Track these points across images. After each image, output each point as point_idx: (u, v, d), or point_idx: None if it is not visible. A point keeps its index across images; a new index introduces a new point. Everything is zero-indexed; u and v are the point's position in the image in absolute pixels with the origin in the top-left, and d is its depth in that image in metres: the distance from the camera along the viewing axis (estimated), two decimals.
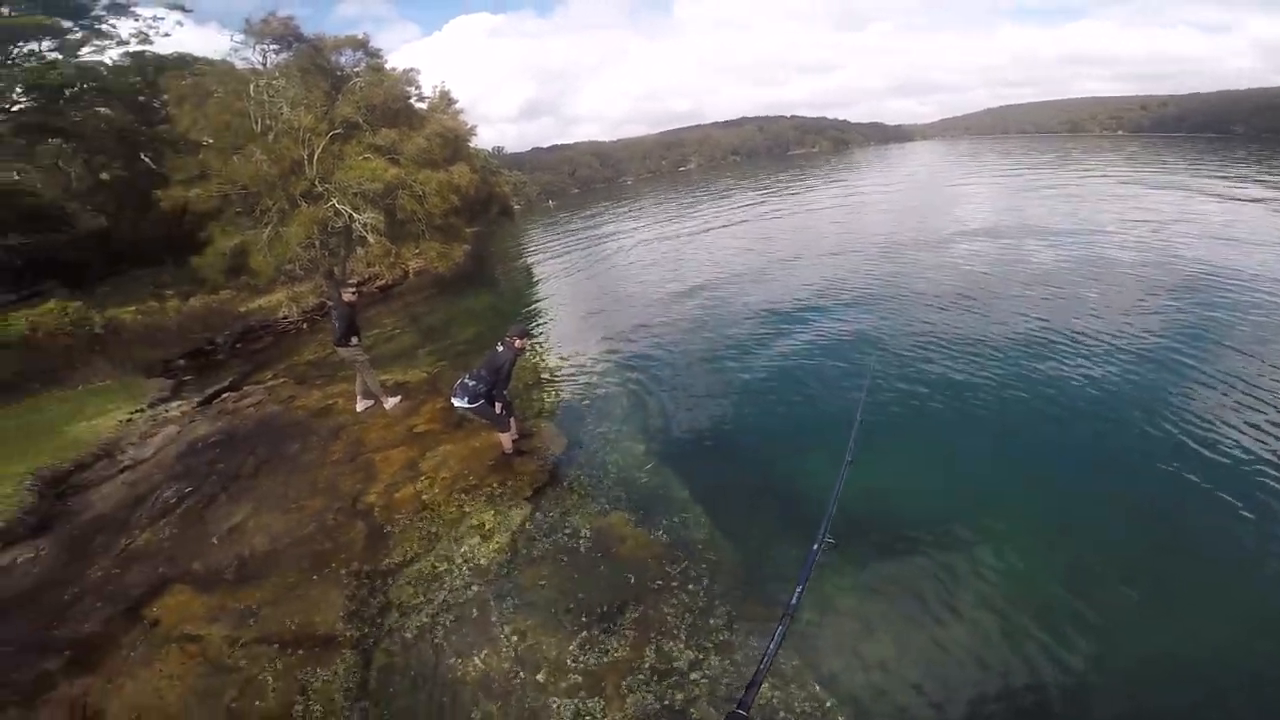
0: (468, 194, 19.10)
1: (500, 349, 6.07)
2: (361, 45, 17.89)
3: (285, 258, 14.83)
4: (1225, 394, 6.79)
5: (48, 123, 20.20)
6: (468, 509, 5.68)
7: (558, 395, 8.61)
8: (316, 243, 15.33)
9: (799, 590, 1.80)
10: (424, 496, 5.95)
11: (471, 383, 5.97)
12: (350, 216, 15.51)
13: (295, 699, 3.94)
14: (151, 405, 10.24)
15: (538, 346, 11.28)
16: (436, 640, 4.29)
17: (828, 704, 3.66)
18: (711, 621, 4.26)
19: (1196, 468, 5.60)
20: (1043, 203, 21.93)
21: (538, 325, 12.99)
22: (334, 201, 15.35)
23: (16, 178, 25.12)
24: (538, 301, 16.17)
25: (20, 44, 19.02)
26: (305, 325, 15.58)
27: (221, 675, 4.16)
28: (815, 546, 2.05)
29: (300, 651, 4.28)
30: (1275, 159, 35.33)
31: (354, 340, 8.07)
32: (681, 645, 4.08)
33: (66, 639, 4.70)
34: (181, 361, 13.76)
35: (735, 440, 6.97)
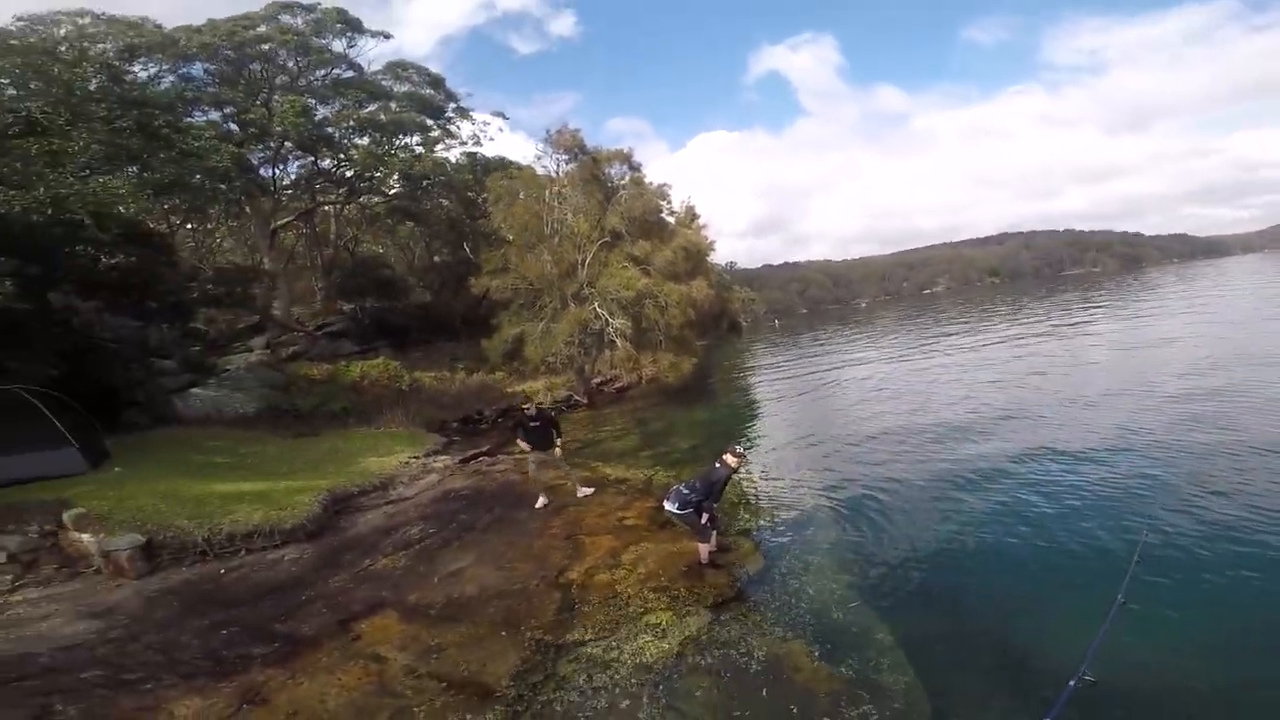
0: (703, 308, 20.01)
1: (717, 465, 6.26)
2: (627, 159, 20.10)
3: (551, 350, 17.14)
4: None
5: (408, 208, 26.67)
6: (651, 606, 5.63)
7: (764, 517, 8.27)
8: (577, 340, 17.42)
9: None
10: (617, 585, 6.03)
11: (685, 491, 6.19)
12: (606, 320, 17.43)
13: None
14: (426, 454, 12.39)
15: (751, 466, 10.83)
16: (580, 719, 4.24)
17: None
18: None
19: None
20: None
21: (752, 444, 12.63)
22: (595, 305, 17.44)
23: (380, 251, 33.86)
24: (755, 420, 16.00)
25: (399, 136, 24.79)
26: (554, 412, 17.66)
27: (384, 698, 4.44)
28: (1072, 682, 1.60)
29: (461, 695, 4.44)
30: None
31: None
32: None
33: (283, 633, 5.47)
34: (455, 424, 16.58)
35: (956, 587, 6.05)
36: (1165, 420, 10.44)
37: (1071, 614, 5.11)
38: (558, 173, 19.52)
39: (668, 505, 6.24)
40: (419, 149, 25.11)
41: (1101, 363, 17.84)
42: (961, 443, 10.84)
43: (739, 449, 6.37)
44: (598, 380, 21.56)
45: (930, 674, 4.64)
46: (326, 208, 27.89)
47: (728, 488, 6.56)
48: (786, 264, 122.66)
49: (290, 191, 26.27)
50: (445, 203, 27.59)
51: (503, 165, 24.95)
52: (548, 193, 18.61)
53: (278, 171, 24.82)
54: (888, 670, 4.72)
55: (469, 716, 4.26)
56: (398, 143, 24.87)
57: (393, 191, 26.77)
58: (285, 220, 25.58)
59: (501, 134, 28.54)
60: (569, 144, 19.45)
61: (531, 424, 8.80)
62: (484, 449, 13.22)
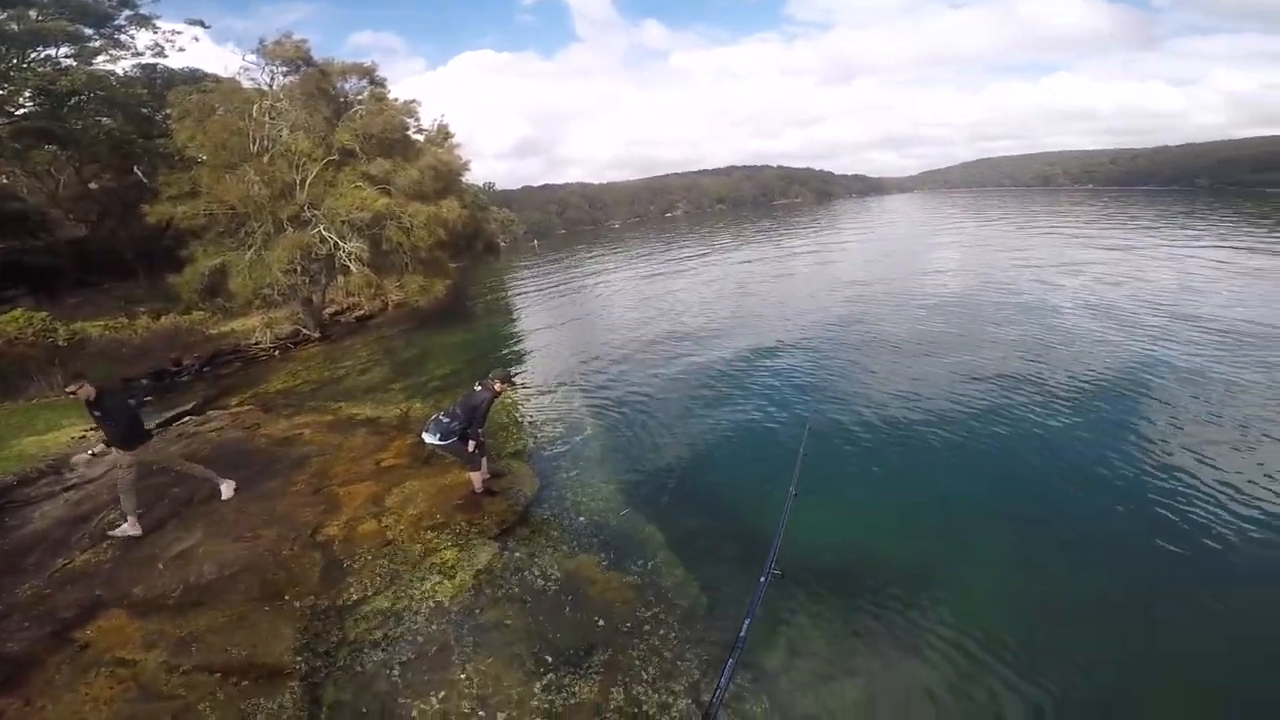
0: (455, 229, 19.17)
1: (479, 389, 6.07)
2: (368, 73, 18.06)
3: (265, 281, 14.71)
4: (1173, 431, 7.16)
5: (48, 129, 20.09)
6: (432, 546, 5.56)
7: (532, 436, 8.55)
8: (298, 268, 15.21)
9: (747, 623, 1.78)
10: (388, 532, 5.80)
11: (446, 420, 5.96)
12: (335, 244, 15.48)
13: None
14: None
15: (517, 385, 11.23)
16: (392, 678, 4.14)
17: None
18: (681, 665, 4.20)
19: (1141, 500, 5.85)
20: (1006, 257, 23.04)
21: (516, 365, 12.96)
22: (320, 228, 15.34)
23: (4, 181, 24.80)
24: (516, 341, 16.20)
25: (40, 49, 19.22)
26: (277, 353, 15.35)
27: (154, 702, 3.96)
28: (762, 579, 2.03)
29: (244, 682, 4.10)
30: (1229, 213, 38.34)
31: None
32: (649, 689, 4.02)
33: None
34: (145, 381, 13.46)
35: (712, 483, 6.95)
36: (839, 320, 14.01)
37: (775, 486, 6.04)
38: (271, 86, 16.51)
39: (428, 437, 5.99)
40: (69, 61, 19.27)
41: (791, 277, 23.04)
42: (693, 349, 12.81)
43: (508, 373, 6.24)
44: (331, 310, 19.41)
45: (697, 567, 5.21)
46: None
47: (492, 411, 6.51)
48: (546, 186, 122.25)
49: None
50: (106, 120, 21.22)
51: (194, 79, 20.44)
52: (257, 108, 15.56)
53: None
54: (665, 570, 5.20)
55: (263, 701, 3.94)
56: (35, 55, 18.74)
57: (22, 111, 19.67)
58: None
59: (198, 44, 22.70)
60: (290, 55, 16.46)
61: (94, 412, 6.03)
62: (188, 407, 11.10)
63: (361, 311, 19.84)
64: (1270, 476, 6.09)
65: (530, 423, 9.12)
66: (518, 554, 5.48)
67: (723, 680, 1.56)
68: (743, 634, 1.73)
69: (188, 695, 4.00)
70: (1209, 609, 4.59)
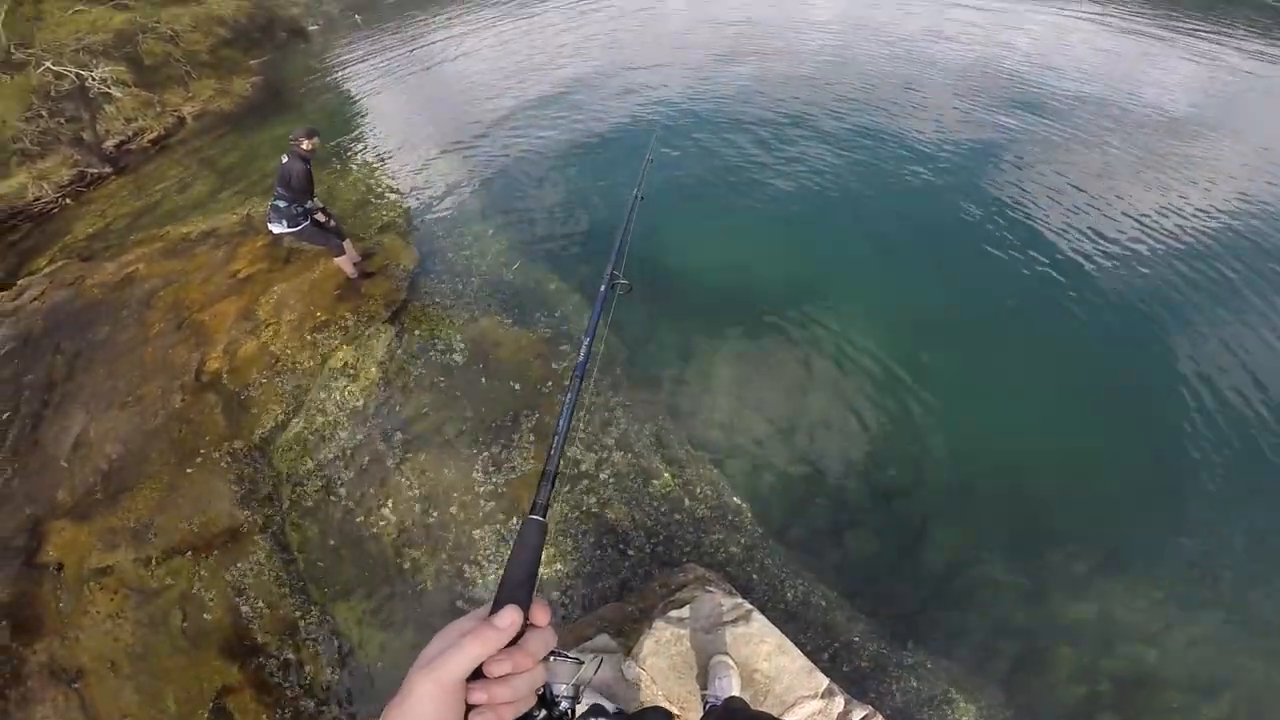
0: (239, 22, 16.21)
1: (285, 160, 5.25)
2: None
3: (5, 136, 11.68)
4: (1035, 178, 7.11)
5: None
6: (324, 350, 5.19)
7: (398, 207, 7.74)
8: (44, 112, 12.01)
9: (587, 342, 1.45)
10: (271, 348, 5.36)
11: (281, 204, 5.25)
12: (79, 76, 12.07)
13: (237, 602, 3.76)
14: None
15: (367, 161, 10.09)
16: (340, 500, 4.07)
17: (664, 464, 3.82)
18: (606, 415, 4.19)
19: (995, 233, 5.97)
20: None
21: (362, 138, 11.50)
22: (48, 64, 11.76)
23: None
24: (356, 113, 14.10)
25: None
26: (68, 200, 12.73)
27: (155, 600, 3.87)
28: (602, 288, 1.70)
29: (215, 552, 4.01)
30: None
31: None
32: (584, 447, 4.01)
33: None
34: None
35: (570, 211, 6.68)
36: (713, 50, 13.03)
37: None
38: None
39: (274, 228, 5.33)
40: None
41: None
42: (544, 94, 11.88)
43: (309, 128, 5.33)
44: (116, 141, 16.05)
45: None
46: None
47: (328, 179, 5.85)
48: None
49: None
50: None
51: None
52: None
53: None
54: (572, 315, 5.04)
55: (241, 565, 3.86)
56: None
57: None
58: None
59: None
60: None
61: None
62: None
63: (154, 134, 16.38)
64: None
65: (392, 193, 8.26)
66: (416, 333, 5.17)
67: (561, 424, 1.16)
68: (582, 358, 1.40)
69: (178, 582, 3.88)
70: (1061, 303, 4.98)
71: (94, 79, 12.24)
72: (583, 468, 3.99)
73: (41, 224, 11.87)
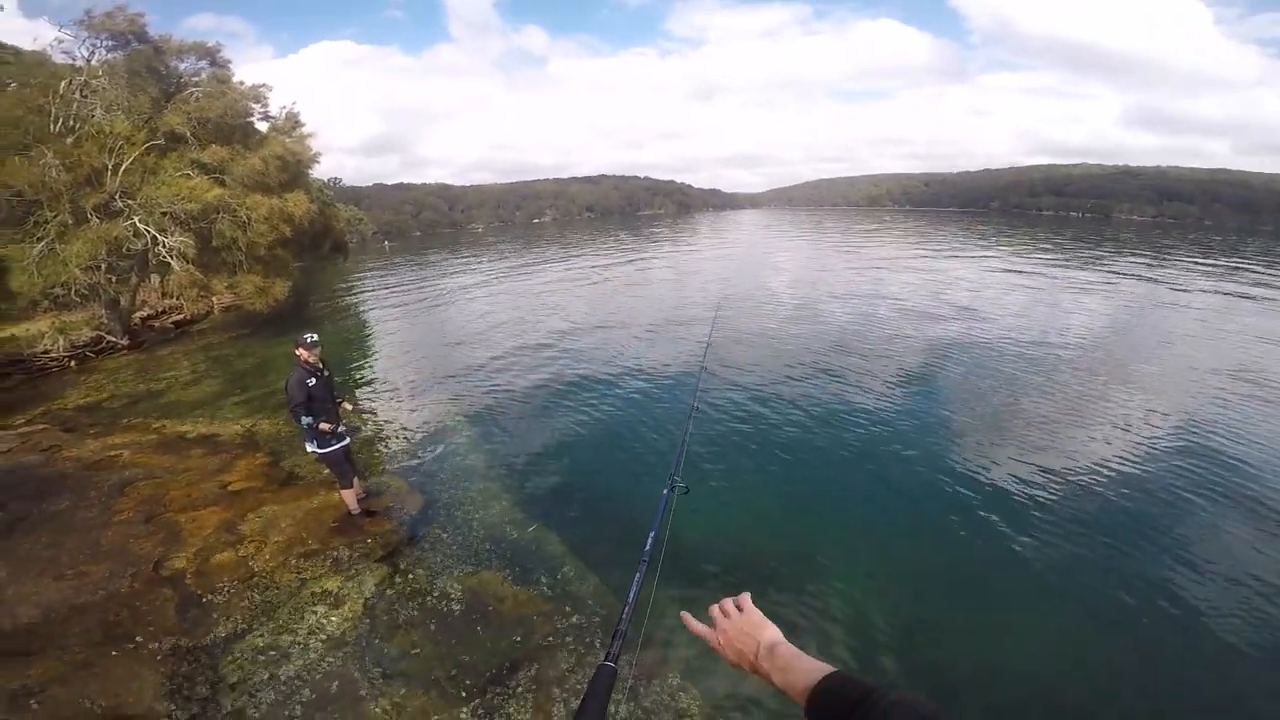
0: (302, 225, 17.50)
1: (291, 375, 5.52)
2: (209, 54, 16.16)
3: (60, 279, 12.56)
4: (1021, 433, 8.53)
5: None
6: (309, 576, 5.19)
7: (405, 449, 8.21)
8: (104, 265, 13.18)
9: (651, 535, 1.74)
10: (251, 563, 5.38)
11: (303, 425, 5.52)
12: (153, 238, 13.64)
13: None
14: None
15: (377, 395, 10.86)
16: (294, 718, 3.84)
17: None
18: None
19: (985, 496, 6.75)
20: (845, 272, 26.60)
21: (374, 373, 12.46)
22: (135, 220, 13.42)
23: None
24: (370, 346, 15.51)
25: None
26: (73, 363, 13.13)
27: None
28: (665, 491, 2.07)
29: None
30: (1013, 233, 47.75)
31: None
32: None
33: None
34: None
35: (597, 484, 6.97)
36: (689, 324, 15.20)
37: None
38: (90, 62, 14.20)
39: (308, 447, 5.64)
40: None
41: (659, 283, 24.85)
42: (558, 355, 13.14)
43: (302, 339, 5.57)
44: (144, 314, 16.95)
45: (610, 576, 5.11)
46: None
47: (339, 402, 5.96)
48: (401, 185, 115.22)
49: None
50: None
51: None
52: (65, 84, 13.30)
53: None
54: (575, 579, 5.08)
55: None
56: None
57: None
58: None
59: (2, 11, 18.75)
60: (120, 29, 14.34)
61: None
62: None
63: (181, 316, 17.50)
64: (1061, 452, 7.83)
65: (401, 434, 8.81)
66: (412, 576, 5.19)
67: (630, 596, 1.48)
68: (647, 548, 1.72)
69: None
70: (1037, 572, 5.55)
71: (164, 245, 13.59)
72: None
73: (36, 380, 12.25)
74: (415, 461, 7.79)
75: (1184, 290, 20.88)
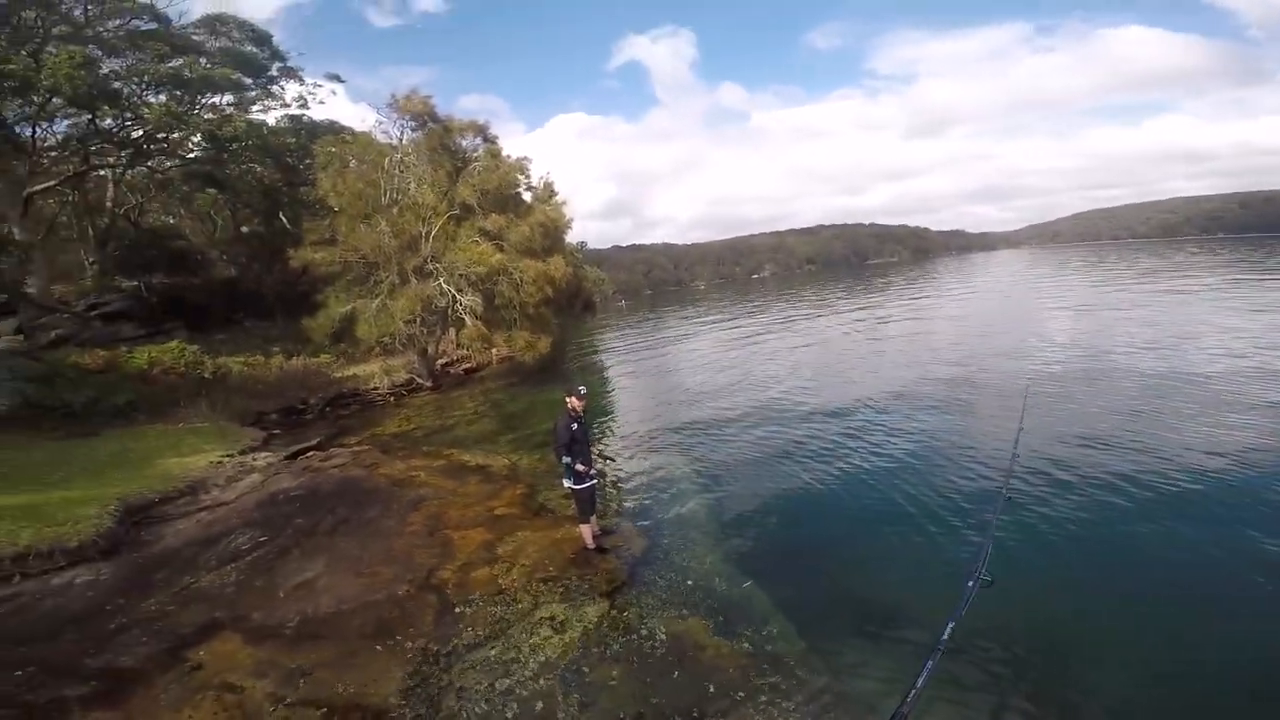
0: (560, 286, 19.30)
1: (558, 418, 6.13)
2: (481, 130, 19.29)
3: (389, 330, 15.81)
4: None
5: (212, 173, 22.61)
6: (542, 600, 5.46)
7: (637, 494, 8.44)
8: (419, 319, 16.28)
9: (950, 625, 1.85)
10: (500, 580, 5.77)
11: (561, 463, 6.02)
12: (453, 297, 16.46)
13: None
14: (242, 452, 10.95)
15: (615, 445, 11.24)
16: None
17: None
18: None
19: None
20: (1135, 325, 19.54)
21: (614, 424, 13.02)
22: (441, 280, 16.36)
23: (172, 221, 28.52)
24: (614, 396, 16.44)
25: (208, 95, 21.32)
26: (392, 398, 16.36)
27: None
28: (970, 584, 2.20)
29: None
30: None
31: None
32: None
33: (98, 668, 4.64)
34: (274, 416, 14.73)
35: (822, 551, 6.60)
36: (942, 382, 12.90)
37: (928, 565, 5.77)
38: (401, 140, 18.26)
39: (566, 483, 6.16)
40: (230, 109, 21.67)
41: (888, 341, 21.25)
42: (792, 412, 12.19)
43: (573, 388, 6.31)
44: (443, 361, 20.48)
45: (813, 636, 4.96)
46: (103, 172, 22.61)
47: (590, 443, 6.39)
48: (633, 246, 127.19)
49: (55, 153, 20.70)
50: (258, 168, 23.88)
51: (334, 130, 22.53)
52: (388, 161, 17.13)
53: (40, 130, 19.42)
54: (780, 639, 4.94)
55: None
56: (203, 101, 21.18)
57: (192, 155, 22.53)
58: (45, 185, 20.12)
59: (335, 97, 25.61)
60: (417, 110, 18.10)
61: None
62: (314, 442, 11.93)
63: (470, 365, 20.86)
64: None
65: (635, 482, 8.98)
66: (626, 613, 5.31)
67: (919, 681, 1.59)
68: (944, 636, 1.79)
69: None
70: None
71: (462, 303, 16.10)
72: None
73: (367, 409, 15.38)
74: (644, 506, 7.93)
75: None
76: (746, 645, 4.84)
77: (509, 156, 19.57)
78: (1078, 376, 12.97)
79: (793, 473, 8.81)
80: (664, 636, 4.96)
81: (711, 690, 4.34)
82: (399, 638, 4.94)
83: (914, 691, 1.53)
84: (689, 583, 5.82)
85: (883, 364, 16.42)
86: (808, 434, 10.56)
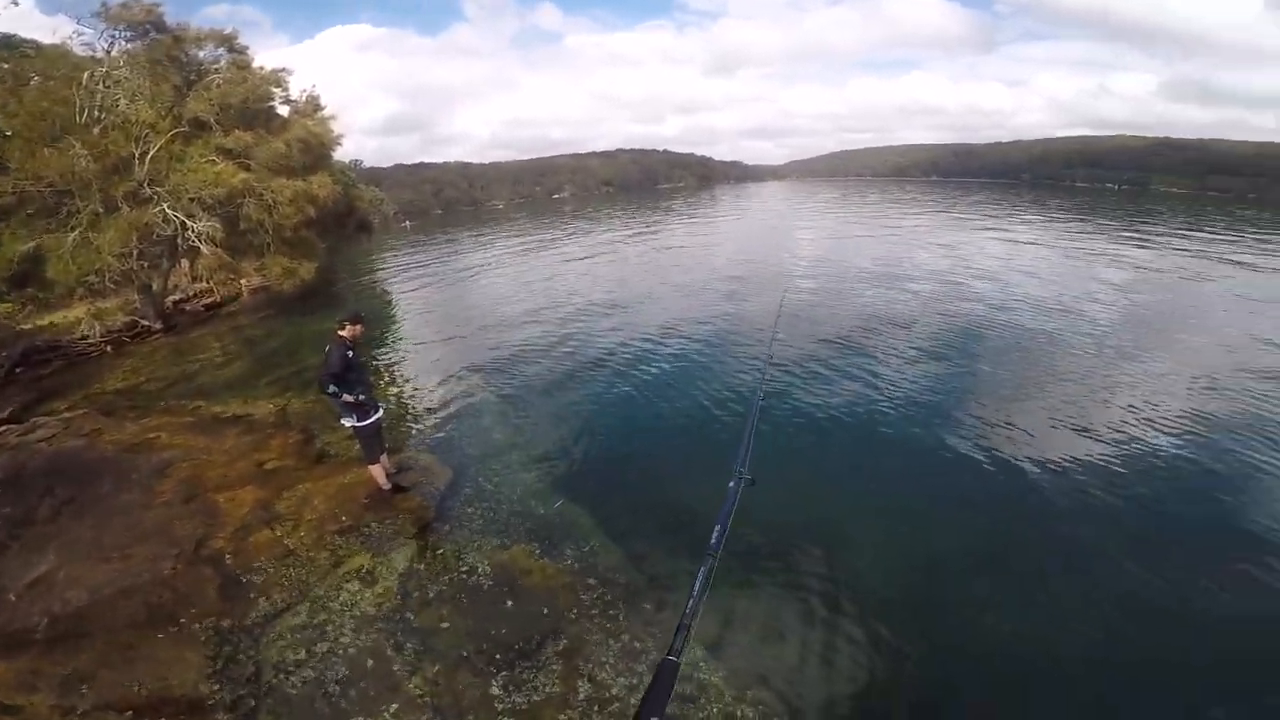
0: (325, 206, 17.31)
1: (328, 348, 5.49)
2: (227, 41, 16.17)
3: (93, 267, 12.74)
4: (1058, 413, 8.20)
5: None
6: (343, 553, 5.25)
7: (434, 425, 8.23)
8: (135, 251, 13.35)
9: (717, 529, 1.79)
10: (286, 541, 5.43)
11: (332, 396, 5.47)
12: (182, 224, 13.77)
13: None
14: None
15: (404, 373, 10.88)
16: (333, 698, 3.85)
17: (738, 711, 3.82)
18: (638, 644, 4.18)
19: (1035, 476, 6.63)
20: (870, 245, 25.58)
21: (401, 349, 12.55)
22: (164, 206, 13.56)
23: None
24: (397, 322, 15.64)
25: None
26: (109, 348, 13.39)
27: None
28: (732, 484, 2.14)
29: (161, 719, 3.75)
30: (1046, 205, 46.13)
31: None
32: (613, 672, 3.94)
33: None
34: None
35: (626, 463, 6.98)
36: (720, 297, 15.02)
37: (712, 467, 6.74)
38: (109, 53, 14.34)
39: (345, 421, 5.71)
40: None
41: (682, 253, 24.37)
42: (588, 329, 12.97)
43: (353, 313, 5.67)
44: (175, 298, 17.25)
45: (630, 545, 5.24)
46: None
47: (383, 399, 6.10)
48: (420, 164, 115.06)
49: None
50: None
51: (10, 45, 17.05)
52: (88, 75, 13.31)
53: None
54: (601, 553, 5.14)
55: None
56: None
57: None
58: None
59: (16, 8, 18.86)
60: (138, 19, 14.44)
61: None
62: (4, 414, 9.50)
63: (212, 299, 17.83)
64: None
65: (430, 411, 8.81)
66: (441, 551, 5.24)
67: (696, 588, 1.55)
68: (713, 541, 1.76)
69: None
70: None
71: (193, 230, 13.65)
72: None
73: (76, 365, 12.48)
74: (443, 437, 7.80)
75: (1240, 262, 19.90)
76: (572, 564, 5.01)
77: (262, 68, 16.66)
78: (825, 288, 16.33)
79: (591, 390, 9.40)
80: (488, 568, 4.96)
81: (546, 614, 4.46)
82: (182, 621, 4.55)
83: (691, 600, 1.52)
84: (504, 510, 5.88)
85: (668, 279, 18.37)
86: (603, 351, 11.37)
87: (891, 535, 5.63)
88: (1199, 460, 6.82)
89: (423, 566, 5.09)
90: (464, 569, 5.04)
